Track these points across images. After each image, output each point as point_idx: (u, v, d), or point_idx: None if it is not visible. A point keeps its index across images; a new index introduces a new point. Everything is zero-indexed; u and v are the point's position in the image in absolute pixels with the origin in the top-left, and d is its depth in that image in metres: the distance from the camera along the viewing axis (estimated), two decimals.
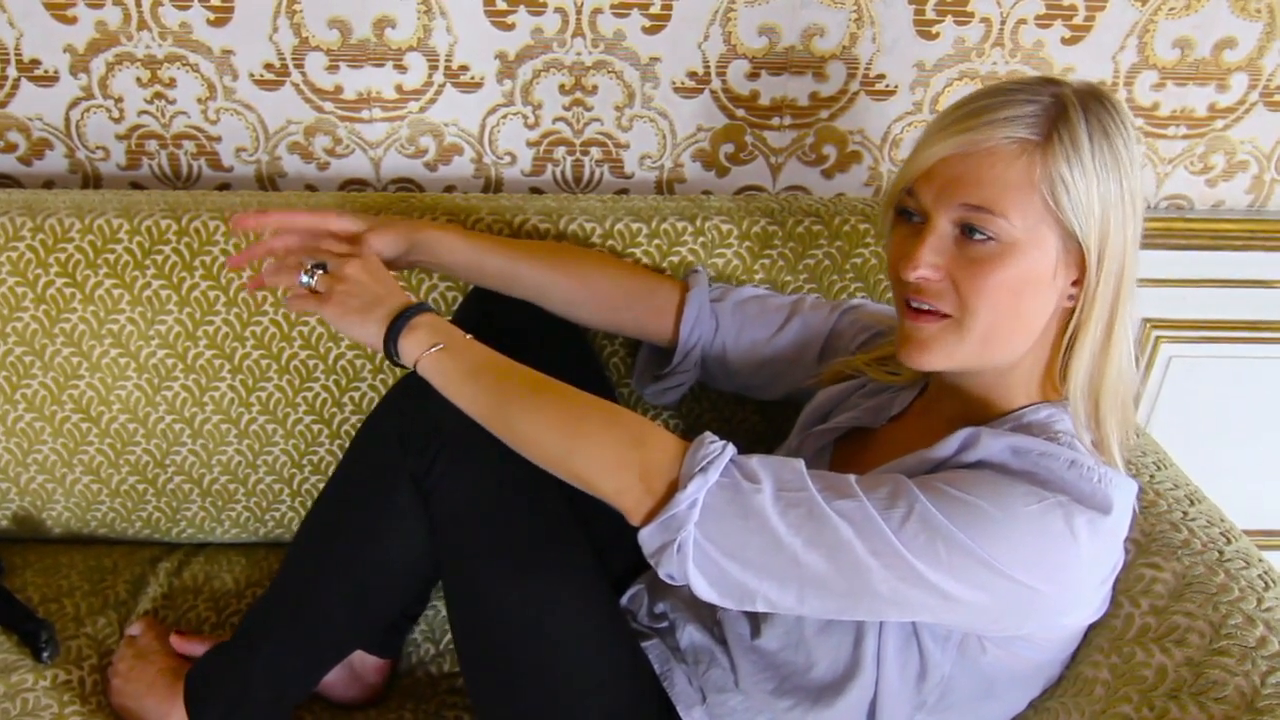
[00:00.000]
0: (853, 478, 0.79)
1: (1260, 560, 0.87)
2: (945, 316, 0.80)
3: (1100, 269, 0.77)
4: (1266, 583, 0.83)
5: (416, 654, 1.19)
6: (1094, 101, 0.77)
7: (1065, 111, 0.76)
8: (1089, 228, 0.76)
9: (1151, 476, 0.99)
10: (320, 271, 0.92)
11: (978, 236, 0.77)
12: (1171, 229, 1.40)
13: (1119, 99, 0.79)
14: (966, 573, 0.74)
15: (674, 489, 0.78)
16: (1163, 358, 1.48)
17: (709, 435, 0.81)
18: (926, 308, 0.81)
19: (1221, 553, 0.87)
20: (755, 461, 0.80)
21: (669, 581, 0.79)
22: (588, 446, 0.82)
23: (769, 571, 0.76)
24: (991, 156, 0.76)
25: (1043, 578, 0.75)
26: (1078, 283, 0.79)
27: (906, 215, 0.83)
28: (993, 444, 0.80)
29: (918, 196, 0.81)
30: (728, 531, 0.77)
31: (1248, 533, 0.93)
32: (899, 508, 0.75)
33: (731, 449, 0.80)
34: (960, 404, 0.87)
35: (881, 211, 0.88)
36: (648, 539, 0.79)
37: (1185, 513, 0.93)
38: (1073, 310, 0.80)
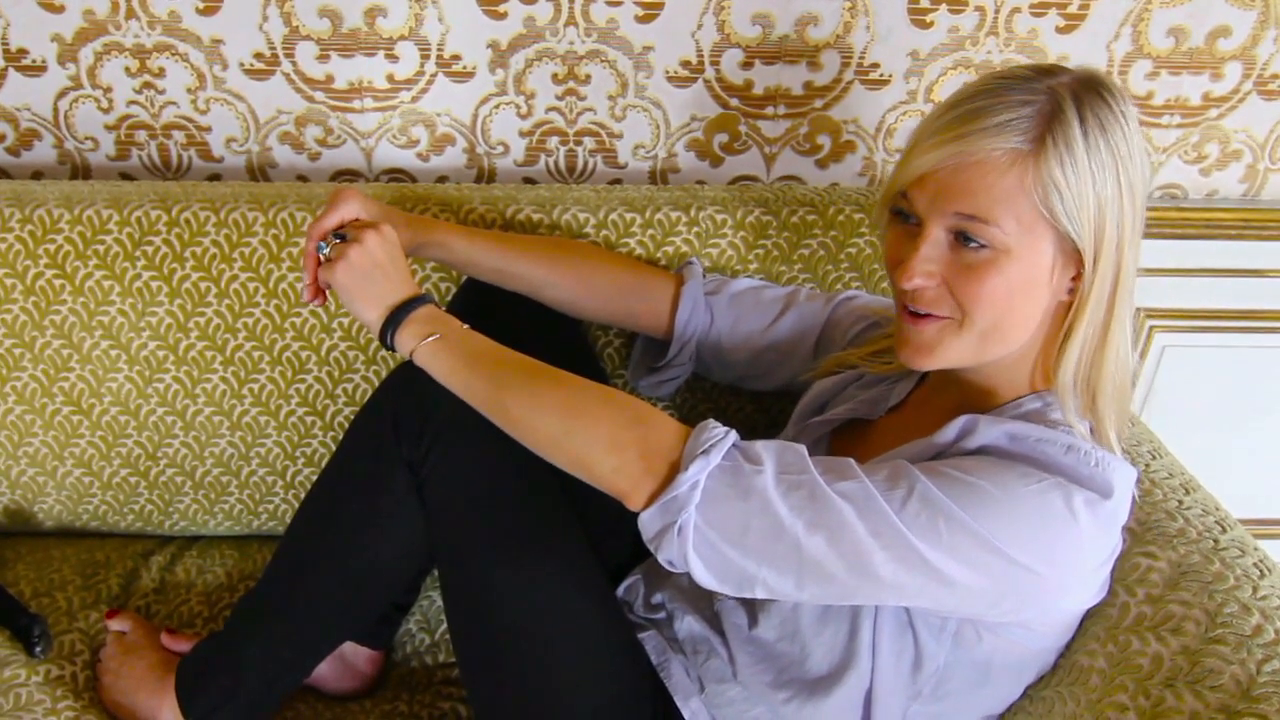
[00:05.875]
0: (853, 461, 0.79)
1: (1255, 549, 0.87)
2: (944, 318, 0.80)
3: (1096, 266, 0.76)
4: (1262, 571, 0.83)
5: (411, 644, 1.19)
6: (1091, 95, 0.76)
7: (1060, 111, 0.74)
8: (1084, 227, 0.75)
9: (1147, 465, 0.99)
10: (337, 241, 0.92)
11: (972, 244, 0.77)
12: (1165, 218, 1.40)
13: (1116, 84, 0.78)
14: (966, 553, 0.74)
15: (675, 470, 0.77)
16: (1156, 347, 1.48)
17: (712, 421, 0.80)
18: (924, 313, 0.80)
19: (1217, 541, 0.87)
20: (759, 445, 0.79)
21: (669, 568, 0.79)
22: (586, 425, 0.81)
23: (769, 556, 0.76)
24: (982, 167, 0.75)
25: (1041, 558, 0.75)
26: (1077, 277, 0.78)
27: (902, 216, 0.82)
28: (990, 430, 0.80)
29: (912, 201, 0.80)
30: (728, 514, 0.76)
31: (1242, 521, 0.93)
32: (900, 488, 0.75)
33: (734, 434, 0.80)
34: (959, 395, 0.87)
35: (876, 212, 0.87)
36: (648, 522, 0.78)
37: (1181, 501, 0.93)
38: (1070, 303, 0.80)
